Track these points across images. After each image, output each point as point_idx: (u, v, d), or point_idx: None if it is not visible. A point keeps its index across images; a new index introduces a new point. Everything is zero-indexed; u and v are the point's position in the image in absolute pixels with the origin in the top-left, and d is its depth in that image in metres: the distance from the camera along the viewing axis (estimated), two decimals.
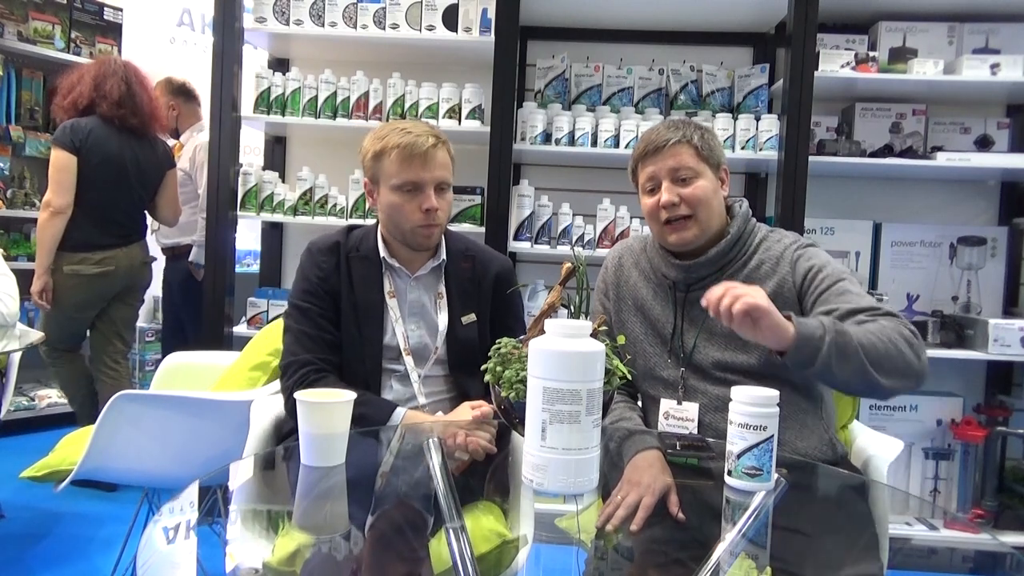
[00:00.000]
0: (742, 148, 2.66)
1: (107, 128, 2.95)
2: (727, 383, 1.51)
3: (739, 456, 1.15)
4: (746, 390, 1.16)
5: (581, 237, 2.74)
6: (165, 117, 3.26)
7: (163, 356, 2.76)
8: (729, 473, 1.18)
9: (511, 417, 1.26)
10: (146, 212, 3.19)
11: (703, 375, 1.57)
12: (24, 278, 3.96)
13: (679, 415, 1.57)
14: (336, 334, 1.66)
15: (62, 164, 2.87)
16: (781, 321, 1.28)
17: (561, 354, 1.04)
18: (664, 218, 1.57)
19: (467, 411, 1.53)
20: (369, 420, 1.51)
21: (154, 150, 3.12)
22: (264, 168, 3.00)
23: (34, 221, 3.91)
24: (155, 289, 4.47)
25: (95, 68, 3.00)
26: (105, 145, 2.95)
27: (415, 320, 1.70)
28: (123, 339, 3.19)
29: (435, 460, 1.30)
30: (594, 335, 1.10)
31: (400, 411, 1.57)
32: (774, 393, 1.16)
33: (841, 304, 1.45)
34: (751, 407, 1.14)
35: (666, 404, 1.58)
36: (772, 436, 1.14)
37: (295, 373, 1.61)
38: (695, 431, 1.55)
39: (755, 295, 1.26)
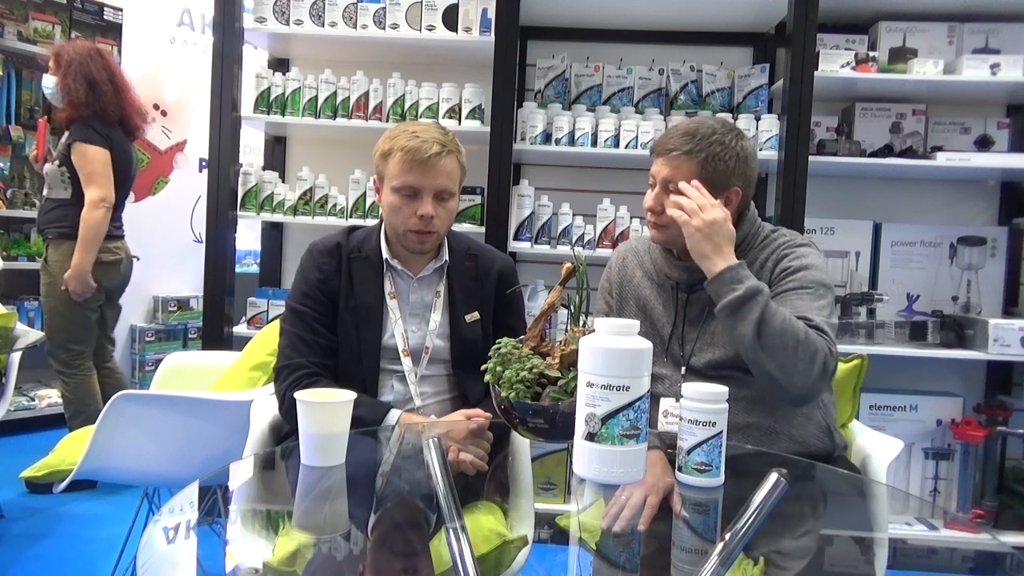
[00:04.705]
0: None
1: (116, 127, 3.05)
2: (722, 380, 1.52)
3: (688, 452, 1.17)
4: (696, 386, 1.18)
5: (581, 237, 2.74)
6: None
7: None
8: (679, 469, 1.19)
9: (511, 417, 1.26)
10: None
11: (699, 374, 1.58)
12: (26, 277, 3.98)
13: (678, 412, 1.58)
14: (332, 338, 1.66)
15: (103, 159, 2.96)
16: (717, 254, 1.46)
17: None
18: (648, 218, 1.62)
19: (461, 418, 1.52)
20: (363, 421, 1.51)
21: (132, 146, 3.22)
22: (264, 168, 3.00)
23: (35, 221, 3.92)
24: (156, 288, 4.49)
25: (85, 74, 2.97)
26: (123, 142, 3.07)
27: (416, 321, 1.70)
28: (111, 339, 3.29)
29: (435, 460, 1.30)
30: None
31: (395, 413, 1.56)
32: (723, 389, 1.17)
33: (786, 306, 1.48)
34: (700, 403, 1.16)
35: (665, 403, 1.58)
36: (721, 432, 1.16)
37: (288, 377, 1.61)
38: None
39: (709, 218, 1.46)
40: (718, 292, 1.46)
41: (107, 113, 2.99)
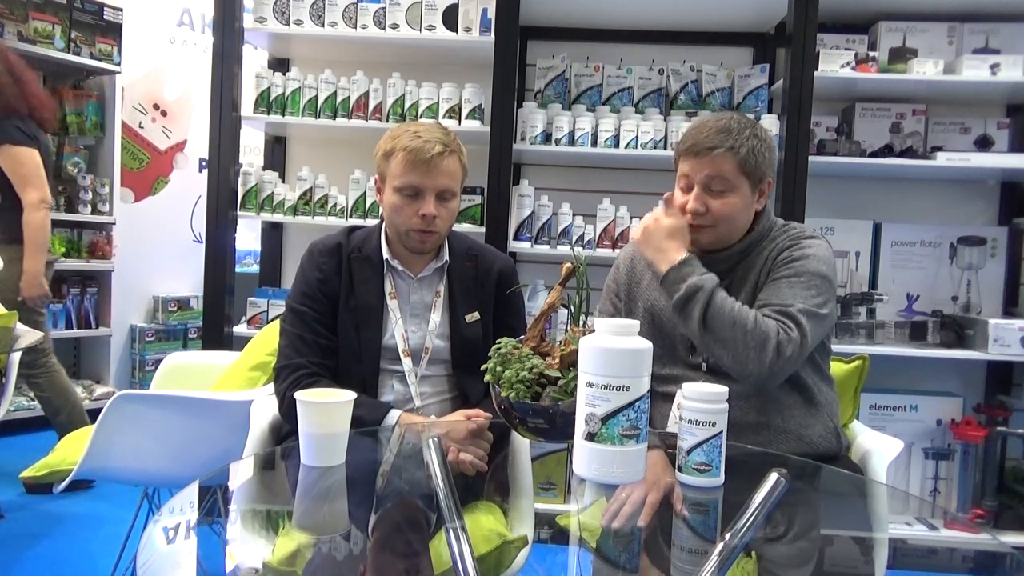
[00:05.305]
0: None
1: (30, 121, 2.95)
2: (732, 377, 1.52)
3: (688, 452, 1.17)
4: (696, 386, 1.17)
5: (581, 237, 2.74)
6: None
7: None
8: (679, 469, 1.19)
9: (511, 417, 1.26)
10: None
11: (714, 372, 1.57)
12: None
13: None
14: (332, 339, 1.66)
15: (35, 159, 2.88)
16: (660, 257, 1.53)
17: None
18: (688, 220, 1.57)
19: (461, 418, 1.53)
20: (363, 421, 1.51)
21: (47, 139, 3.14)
22: (264, 168, 3.00)
23: None
24: (156, 288, 4.49)
25: None
26: (43, 138, 3.00)
27: (416, 321, 1.70)
28: None
29: (435, 460, 1.30)
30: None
31: (394, 413, 1.57)
32: (723, 389, 1.17)
33: (762, 296, 1.52)
34: (701, 403, 1.16)
35: (680, 396, 1.58)
36: (721, 432, 1.16)
37: (288, 377, 1.61)
38: None
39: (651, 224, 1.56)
40: (668, 293, 1.52)
41: (12, 107, 2.87)
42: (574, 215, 2.77)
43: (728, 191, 1.53)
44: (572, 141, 2.70)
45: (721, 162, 1.52)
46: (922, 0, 2.66)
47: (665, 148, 2.67)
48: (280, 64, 3.06)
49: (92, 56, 4.04)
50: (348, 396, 1.26)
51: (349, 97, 2.75)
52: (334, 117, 2.77)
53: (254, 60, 3.02)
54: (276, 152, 3.14)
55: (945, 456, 2.73)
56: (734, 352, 1.44)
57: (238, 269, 2.91)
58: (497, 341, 1.30)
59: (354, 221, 2.75)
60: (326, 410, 1.24)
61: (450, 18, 2.68)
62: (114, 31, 4.16)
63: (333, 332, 1.66)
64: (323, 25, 2.72)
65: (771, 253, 1.58)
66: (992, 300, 2.80)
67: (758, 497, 1.15)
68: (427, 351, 1.68)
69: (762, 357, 1.42)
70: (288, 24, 2.73)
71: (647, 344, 1.09)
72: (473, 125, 2.70)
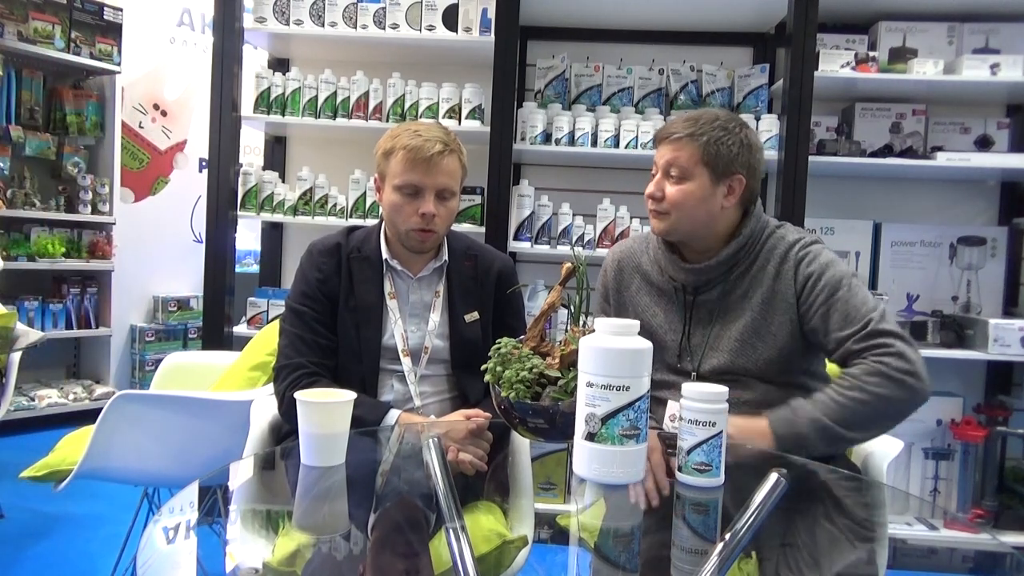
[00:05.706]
0: None
1: None
2: (728, 385, 1.51)
3: (688, 452, 1.16)
4: (696, 386, 1.17)
5: (581, 237, 2.74)
6: None
7: None
8: (680, 469, 1.18)
9: (511, 417, 1.26)
10: None
11: (706, 380, 1.56)
12: (26, 277, 3.98)
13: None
14: (331, 338, 1.66)
15: None
16: (758, 439, 1.41)
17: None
18: (649, 206, 1.59)
19: (460, 418, 1.52)
20: (363, 421, 1.50)
21: None
22: (264, 168, 3.00)
23: (34, 221, 3.93)
24: (156, 288, 4.49)
25: None
26: None
27: (415, 321, 1.70)
28: None
29: (435, 460, 1.30)
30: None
31: (394, 412, 1.57)
32: (723, 390, 1.16)
33: (832, 329, 1.47)
34: (701, 404, 1.15)
35: (673, 406, 1.57)
36: (721, 432, 1.15)
37: (287, 377, 1.61)
38: None
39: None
40: (796, 453, 1.42)
41: None
42: (574, 215, 2.77)
43: (685, 178, 1.52)
44: (572, 141, 2.70)
45: (682, 147, 1.52)
46: (922, 0, 2.66)
47: None
48: (280, 64, 3.06)
49: (92, 56, 4.05)
50: (348, 396, 1.26)
51: (349, 97, 2.75)
52: (334, 117, 2.77)
53: (254, 60, 3.02)
54: (276, 152, 3.14)
55: (945, 456, 2.73)
56: (890, 413, 1.42)
57: (238, 269, 2.91)
58: (497, 341, 1.30)
59: (354, 221, 2.75)
60: (326, 410, 1.24)
61: (450, 18, 2.68)
62: (114, 31, 4.16)
63: (333, 332, 1.66)
64: (323, 25, 2.72)
65: (781, 267, 1.54)
66: (992, 300, 2.80)
67: (758, 497, 1.15)
68: (426, 351, 1.68)
69: (905, 390, 1.39)
70: (288, 24, 2.73)
71: (647, 344, 1.09)
72: (473, 125, 2.70)
